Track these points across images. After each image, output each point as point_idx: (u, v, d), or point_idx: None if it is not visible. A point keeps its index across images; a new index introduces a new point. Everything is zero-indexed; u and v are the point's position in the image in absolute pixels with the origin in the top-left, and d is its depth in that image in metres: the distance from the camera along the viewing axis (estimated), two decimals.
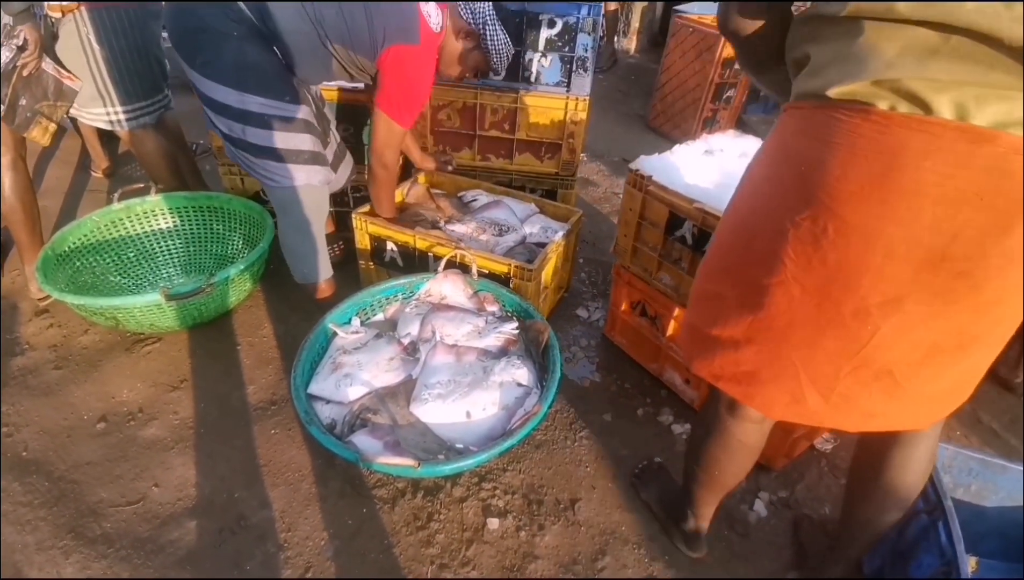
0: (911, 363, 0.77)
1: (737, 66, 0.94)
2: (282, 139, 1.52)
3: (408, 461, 1.12)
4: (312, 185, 1.61)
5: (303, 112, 1.54)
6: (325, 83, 1.86)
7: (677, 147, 1.63)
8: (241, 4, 1.41)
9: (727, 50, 3.11)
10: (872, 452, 1.02)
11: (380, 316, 1.65)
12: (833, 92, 0.70)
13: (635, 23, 5.30)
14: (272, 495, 1.35)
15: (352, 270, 1.97)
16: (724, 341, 0.90)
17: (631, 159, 1.62)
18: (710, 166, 1.56)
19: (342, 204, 2.19)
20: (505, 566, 1.24)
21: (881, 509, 1.04)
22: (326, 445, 1.18)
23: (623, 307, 1.78)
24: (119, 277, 1.88)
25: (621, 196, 2.88)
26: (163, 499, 1.33)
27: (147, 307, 1.58)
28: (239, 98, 1.45)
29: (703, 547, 1.27)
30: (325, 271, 1.78)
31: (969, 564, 1.02)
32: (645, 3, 5.20)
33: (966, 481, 1.24)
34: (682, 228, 1.44)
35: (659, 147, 1.63)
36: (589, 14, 1.87)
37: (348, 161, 1.93)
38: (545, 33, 1.92)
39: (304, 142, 1.56)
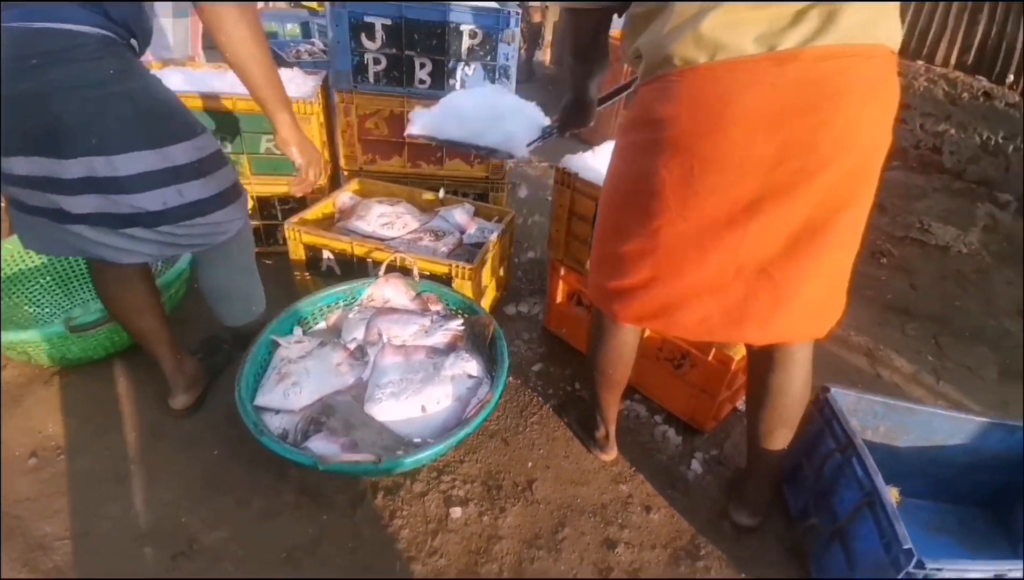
0: (779, 257, 0.95)
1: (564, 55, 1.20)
2: (218, 178, 1.24)
3: (368, 456, 1.14)
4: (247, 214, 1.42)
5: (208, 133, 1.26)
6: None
7: (598, 147, 1.75)
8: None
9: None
10: (759, 379, 1.21)
11: (322, 324, 1.65)
12: (664, 60, 0.89)
13: (548, 36, 5.54)
14: (223, 515, 1.32)
15: (284, 282, 1.94)
16: (635, 288, 1.08)
17: (557, 163, 1.72)
18: None
19: (270, 217, 2.16)
20: (472, 550, 1.28)
21: (773, 423, 1.22)
22: (281, 453, 1.17)
23: (559, 299, 1.87)
24: (33, 307, 1.75)
25: (550, 198, 3.03)
26: (108, 529, 1.27)
27: (53, 339, 1.49)
28: (154, 155, 1.10)
29: (613, 450, 1.52)
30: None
31: (891, 493, 1.14)
32: (557, 19, 5.44)
33: (873, 423, 1.40)
34: None
35: (581, 151, 1.74)
36: (509, 24, 1.97)
37: None
38: (467, 43, 2.00)
39: (231, 169, 1.32)
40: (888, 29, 0.86)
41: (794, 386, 1.17)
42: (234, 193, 1.30)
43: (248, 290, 1.56)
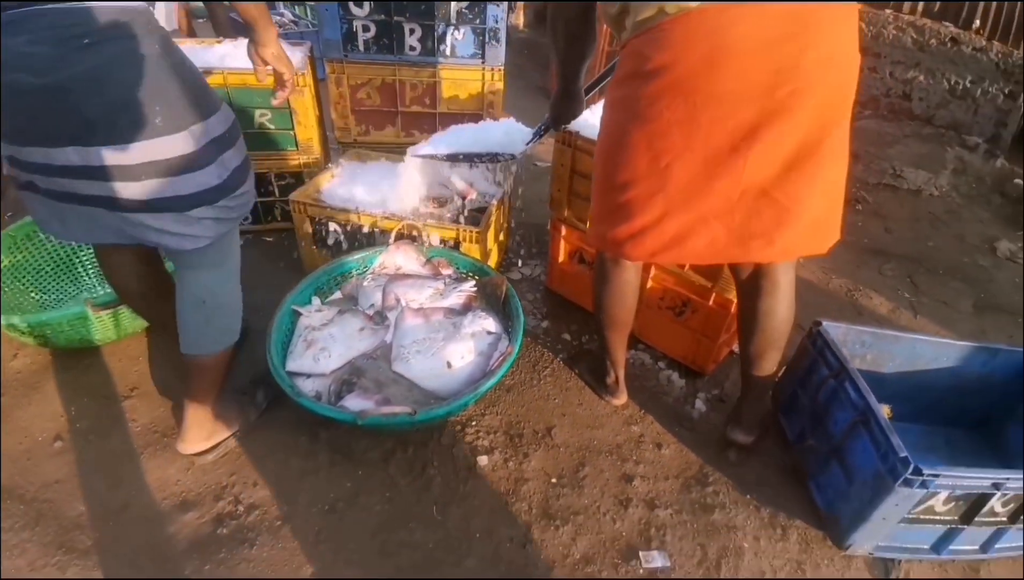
0: (778, 177, 1.05)
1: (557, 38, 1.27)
2: (241, 144, 1.19)
3: (404, 409, 1.21)
4: None
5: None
6: None
7: (595, 105, 1.79)
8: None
9: None
10: (749, 306, 1.31)
11: (337, 294, 1.69)
12: (656, 11, 0.97)
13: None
14: (263, 477, 1.38)
15: (286, 256, 1.97)
16: (646, 228, 1.16)
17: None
18: None
19: (266, 193, 2.16)
20: (501, 491, 1.37)
21: (763, 345, 1.32)
22: (321, 412, 1.24)
23: (562, 258, 1.94)
24: (39, 294, 1.75)
25: (538, 163, 3.06)
26: (147, 501, 1.32)
27: (75, 320, 1.51)
28: (203, 129, 1.06)
29: (624, 394, 1.61)
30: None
31: (883, 411, 1.24)
32: None
33: (861, 352, 1.51)
34: None
35: None
36: None
37: None
38: (455, 6, 2.00)
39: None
40: None
41: (780, 309, 1.28)
42: (248, 159, 1.26)
43: (236, 303, 1.31)
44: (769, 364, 1.36)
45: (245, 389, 1.54)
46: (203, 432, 1.37)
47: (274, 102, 1.34)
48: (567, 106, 1.50)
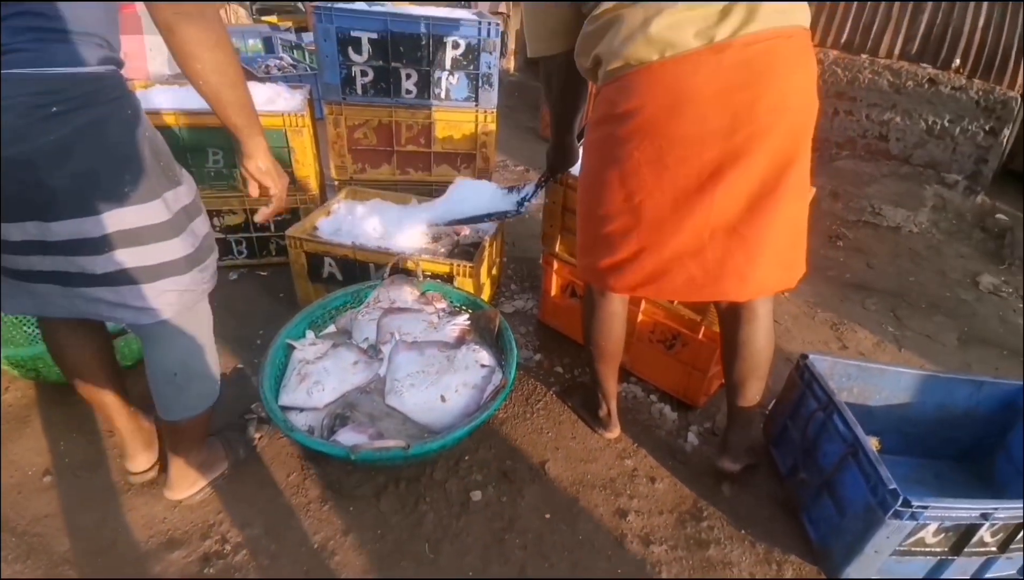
0: (743, 213, 1.11)
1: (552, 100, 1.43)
2: (205, 214, 1.13)
3: (398, 443, 1.21)
4: None
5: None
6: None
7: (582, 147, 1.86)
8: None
9: None
10: (729, 336, 1.36)
11: (331, 328, 1.70)
12: (623, 63, 1.06)
13: (512, 44, 5.67)
14: (252, 514, 1.36)
15: (282, 290, 1.99)
16: (625, 261, 1.22)
17: (531, 167, 1.85)
18: None
19: (262, 228, 2.19)
20: (495, 527, 1.36)
21: (744, 373, 1.36)
22: (313, 447, 1.23)
23: (554, 292, 1.97)
24: (32, 327, 1.74)
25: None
26: (135, 539, 1.29)
27: None
28: (173, 197, 1.02)
29: (617, 427, 1.63)
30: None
31: (872, 443, 1.26)
32: (519, 27, 5.58)
33: (847, 385, 1.54)
34: None
35: None
36: (489, 35, 2.07)
37: None
38: (451, 54, 2.09)
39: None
40: (799, 12, 1.06)
41: (759, 337, 1.32)
42: (211, 230, 1.18)
43: (210, 369, 1.25)
44: (752, 393, 1.39)
45: (234, 423, 1.53)
46: (188, 480, 1.35)
47: (257, 218, 1.23)
48: (561, 156, 1.59)
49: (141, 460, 1.38)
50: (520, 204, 1.86)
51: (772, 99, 1.03)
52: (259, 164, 1.10)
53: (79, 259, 0.95)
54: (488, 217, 1.88)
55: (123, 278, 0.99)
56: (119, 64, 0.94)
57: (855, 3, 3.72)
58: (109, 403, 1.28)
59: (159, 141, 1.01)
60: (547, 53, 1.27)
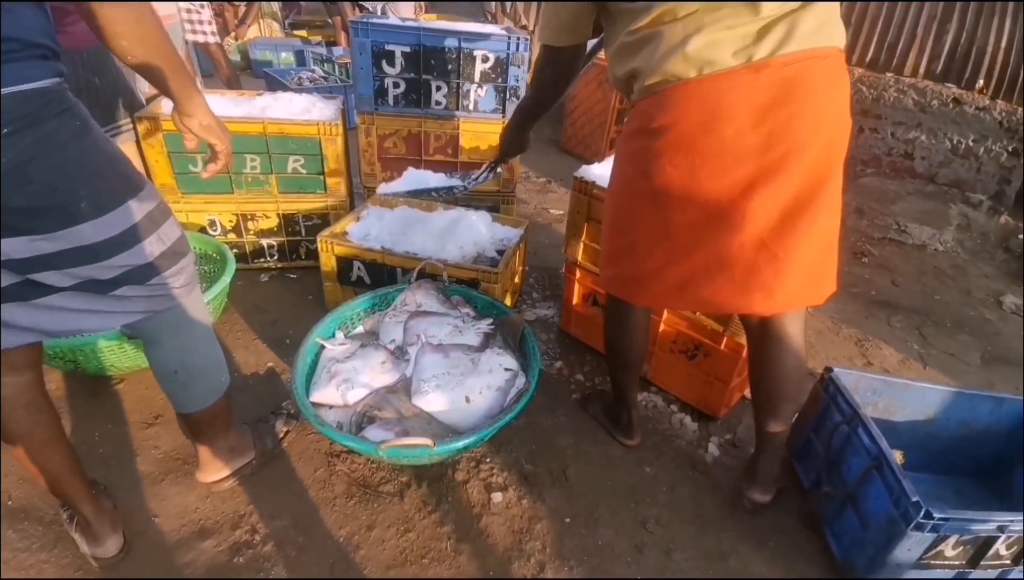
0: (774, 229, 1.11)
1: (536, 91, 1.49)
2: (172, 214, 1.11)
3: (425, 440, 1.24)
4: None
5: None
6: None
7: (605, 160, 1.90)
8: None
9: None
10: (758, 354, 1.35)
11: (360, 329, 1.75)
12: (661, 78, 1.07)
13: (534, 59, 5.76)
14: (280, 507, 1.40)
15: (311, 292, 2.04)
16: (652, 273, 1.23)
17: (553, 179, 1.89)
18: None
19: (293, 233, 2.26)
20: (515, 529, 1.38)
21: (774, 395, 1.34)
22: (343, 442, 1.27)
23: (576, 301, 2.00)
24: None
25: (551, 211, 3.18)
26: (166, 528, 1.33)
27: (111, 346, 1.57)
28: (137, 205, 1.00)
29: (637, 435, 1.63)
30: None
31: (896, 456, 1.26)
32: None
33: (872, 399, 1.54)
34: None
35: (575, 167, 1.90)
36: (518, 49, 2.13)
37: None
38: (480, 67, 2.15)
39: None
40: (835, 33, 1.06)
41: (788, 357, 1.30)
42: (184, 234, 1.15)
43: (218, 358, 1.27)
44: (783, 416, 1.36)
45: (264, 417, 1.57)
46: (218, 463, 1.39)
47: (204, 175, 1.23)
48: (516, 143, 1.64)
49: (111, 545, 1.24)
50: (469, 182, 1.97)
51: (809, 117, 1.04)
52: (201, 121, 1.11)
53: (40, 275, 0.94)
54: (436, 191, 2.04)
55: (88, 287, 0.98)
56: (61, 73, 0.91)
57: (880, 22, 3.73)
58: (77, 473, 1.19)
59: (114, 148, 1.00)
60: (552, 43, 1.29)
